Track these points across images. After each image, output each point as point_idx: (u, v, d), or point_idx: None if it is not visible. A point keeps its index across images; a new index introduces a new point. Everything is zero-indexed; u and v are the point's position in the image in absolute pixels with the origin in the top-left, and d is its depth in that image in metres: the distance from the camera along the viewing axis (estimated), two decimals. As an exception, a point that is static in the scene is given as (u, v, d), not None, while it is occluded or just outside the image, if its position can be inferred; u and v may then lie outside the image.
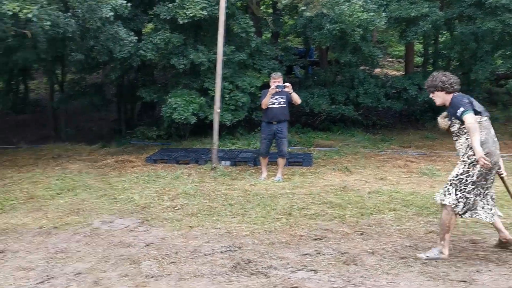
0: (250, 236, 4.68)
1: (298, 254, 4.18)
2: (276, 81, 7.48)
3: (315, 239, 4.58)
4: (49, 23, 7.11)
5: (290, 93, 7.45)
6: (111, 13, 8.31)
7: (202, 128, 12.00)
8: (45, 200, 6.23)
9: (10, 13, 6.56)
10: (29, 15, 6.70)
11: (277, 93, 7.45)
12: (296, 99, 7.53)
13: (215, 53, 9.89)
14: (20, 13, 6.62)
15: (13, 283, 3.48)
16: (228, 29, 10.12)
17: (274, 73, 7.88)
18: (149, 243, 4.47)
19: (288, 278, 3.61)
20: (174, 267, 3.85)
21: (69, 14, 8.04)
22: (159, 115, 13.53)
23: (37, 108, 16.91)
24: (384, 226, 5.01)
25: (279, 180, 7.43)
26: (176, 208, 5.77)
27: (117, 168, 8.78)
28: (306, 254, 4.15)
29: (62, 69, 13.59)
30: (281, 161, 7.69)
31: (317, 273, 3.72)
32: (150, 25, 11.90)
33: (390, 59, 20.69)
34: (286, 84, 7.49)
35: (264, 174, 7.72)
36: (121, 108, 13.76)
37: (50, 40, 8.32)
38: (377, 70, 14.98)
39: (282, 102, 7.49)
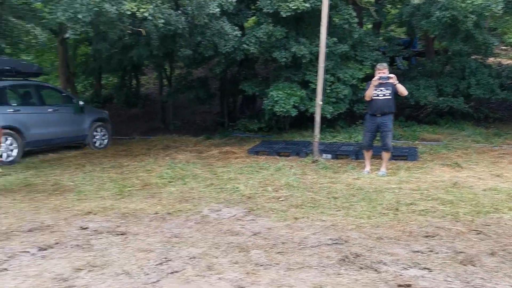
0: (356, 230, 4.61)
1: (408, 250, 4.04)
2: (381, 72, 7.26)
3: (426, 236, 4.39)
4: (162, 21, 7.55)
5: (395, 84, 7.20)
6: (218, 9, 8.61)
7: (302, 120, 12.02)
8: (158, 188, 6.64)
9: (129, 12, 7.05)
10: (145, 14, 7.16)
11: (382, 85, 7.23)
12: (402, 90, 7.25)
13: (317, 46, 9.82)
14: (137, 12, 7.10)
15: (136, 263, 3.75)
16: (330, 21, 10.01)
17: (379, 63, 7.64)
18: (256, 232, 4.58)
19: (400, 275, 3.50)
20: (282, 257, 3.91)
21: (179, 11, 8.45)
22: (260, 108, 13.78)
23: (147, 102, 18.03)
24: (504, 226, 4.67)
25: (383, 174, 7.23)
26: (280, 199, 5.85)
27: (221, 159, 9.10)
28: (417, 251, 4.00)
29: (171, 65, 14.35)
30: (385, 155, 7.47)
31: (431, 271, 3.56)
32: (253, 19, 12.12)
33: (505, 47, 19.12)
34: (390, 75, 7.24)
35: (368, 168, 7.55)
36: (224, 101, 14.20)
37: (162, 37, 8.82)
38: (490, 59, 13.92)
39: (387, 94, 7.25)
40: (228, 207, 5.55)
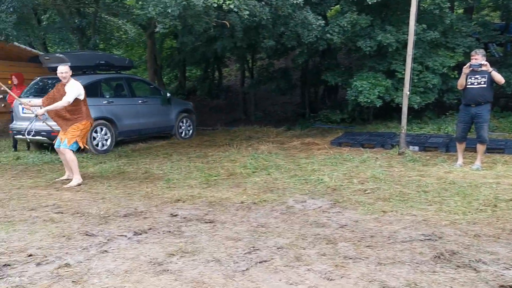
0: (450, 226, 4.38)
1: (509, 249, 3.76)
2: (473, 58, 6.83)
3: (530, 236, 4.07)
4: (247, 12, 7.61)
5: (490, 72, 6.72)
6: (301, -1, 8.52)
7: (387, 111, 11.64)
8: (243, 177, 6.73)
9: (215, 5, 7.18)
10: (231, 6, 7.25)
11: (477, 73, 6.79)
12: (499, 78, 6.75)
13: (404, 33, 9.45)
14: (223, 4, 7.21)
15: (225, 251, 3.82)
16: (418, 6, 9.54)
17: (475, 50, 7.14)
18: (343, 225, 4.49)
19: (501, 275, 3.27)
20: (371, 251, 3.80)
21: (263, 2, 8.48)
22: (342, 98, 13.54)
23: (229, 94, 18.38)
24: None
25: (477, 168, 6.80)
26: (366, 192, 5.70)
27: (303, 150, 9.05)
28: (520, 251, 3.71)
29: (253, 56, 14.48)
30: (480, 148, 7.01)
31: (537, 273, 3.29)
32: (336, 8, 11.88)
33: None
34: (483, 62, 6.76)
35: (460, 161, 7.15)
36: (305, 92, 14.11)
37: (245, 28, 8.91)
38: None
39: (483, 82, 6.79)
40: (313, 199, 5.50)
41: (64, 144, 6.74)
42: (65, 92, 6.68)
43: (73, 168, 6.72)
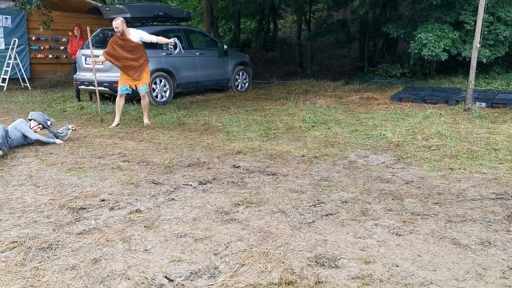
0: (524, 185, 4.18)
1: None
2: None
3: None
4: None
5: None
6: None
7: (451, 65, 11.10)
8: (302, 131, 6.68)
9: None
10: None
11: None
12: None
13: (477, -20, 8.80)
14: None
15: (289, 203, 3.84)
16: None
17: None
18: (408, 181, 4.39)
19: None
20: (440, 208, 3.70)
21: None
22: (402, 51, 13.01)
23: (284, 46, 18.07)
24: None
25: (552, 126, 6.42)
26: (432, 149, 5.52)
27: (362, 105, 8.83)
28: None
29: (310, 7, 14.04)
30: (556, 105, 6.58)
31: None
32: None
33: None
34: None
35: (532, 119, 6.76)
36: (364, 45, 13.63)
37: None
38: None
39: None
40: (375, 154, 5.39)
41: (145, 88, 7.54)
42: (134, 42, 7.27)
43: (146, 111, 7.65)
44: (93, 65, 7.61)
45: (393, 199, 3.91)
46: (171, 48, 7.84)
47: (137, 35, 7.30)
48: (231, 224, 3.42)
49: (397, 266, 2.75)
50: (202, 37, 11.64)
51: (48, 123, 6.34)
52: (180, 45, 7.63)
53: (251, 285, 2.56)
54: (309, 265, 2.77)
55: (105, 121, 7.87)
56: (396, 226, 3.34)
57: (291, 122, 7.30)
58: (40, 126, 6.26)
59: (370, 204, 3.81)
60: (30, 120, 6.27)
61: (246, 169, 4.86)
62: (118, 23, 7.15)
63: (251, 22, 20.40)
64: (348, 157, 5.29)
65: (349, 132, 6.53)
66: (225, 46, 11.18)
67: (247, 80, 11.70)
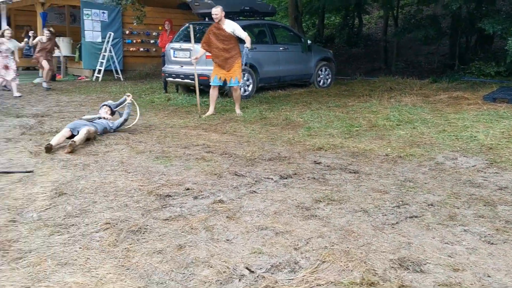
0: None
1: None
2: None
3: None
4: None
5: None
6: None
7: (554, 65, 10.23)
8: (386, 130, 6.49)
9: None
10: None
11: None
12: None
13: None
14: None
15: (372, 203, 3.75)
16: None
17: None
18: (502, 187, 4.12)
19: None
20: (538, 218, 3.43)
21: None
22: (498, 49, 12.18)
23: (368, 42, 17.64)
24: None
25: None
26: (529, 154, 5.14)
27: (451, 105, 8.40)
28: None
29: (398, 2, 13.57)
30: None
31: None
32: None
33: None
34: None
35: None
36: (456, 41, 12.92)
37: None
38: None
39: None
40: (465, 156, 5.11)
41: (236, 81, 7.77)
42: (226, 32, 7.59)
43: (238, 103, 7.97)
44: (194, 61, 7.89)
45: (484, 205, 3.69)
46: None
47: (231, 26, 7.61)
48: (312, 220, 3.40)
49: (489, 276, 2.59)
50: (286, 32, 11.66)
51: (113, 105, 6.78)
52: (247, 57, 7.79)
53: (331, 282, 2.54)
54: (392, 267, 2.69)
55: (191, 113, 8.14)
56: (488, 234, 3.15)
57: (374, 119, 7.12)
58: (109, 109, 6.64)
59: (458, 208, 3.63)
60: (100, 109, 6.70)
61: (327, 166, 4.82)
62: (217, 10, 7.56)
63: (336, 17, 20.11)
64: (435, 158, 5.06)
65: (436, 132, 6.24)
66: (309, 41, 11.12)
67: (330, 76, 11.56)
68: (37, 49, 11.71)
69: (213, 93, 7.93)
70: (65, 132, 5.70)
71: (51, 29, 12.21)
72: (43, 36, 11.60)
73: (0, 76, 10.06)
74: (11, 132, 6.46)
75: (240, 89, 8.24)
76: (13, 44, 10.26)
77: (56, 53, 12.41)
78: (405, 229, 3.24)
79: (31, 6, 14.67)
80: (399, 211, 3.57)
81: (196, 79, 8.09)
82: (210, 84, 7.96)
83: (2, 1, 15.19)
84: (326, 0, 15.02)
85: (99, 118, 6.38)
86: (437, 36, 12.48)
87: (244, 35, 7.58)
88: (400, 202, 3.75)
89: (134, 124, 6.81)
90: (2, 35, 10.13)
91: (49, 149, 5.26)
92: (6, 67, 10.06)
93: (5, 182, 4.25)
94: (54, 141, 5.46)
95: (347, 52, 17.40)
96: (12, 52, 10.22)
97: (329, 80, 11.54)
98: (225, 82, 7.88)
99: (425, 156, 5.15)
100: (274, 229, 3.23)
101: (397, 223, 3.34)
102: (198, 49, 8.00)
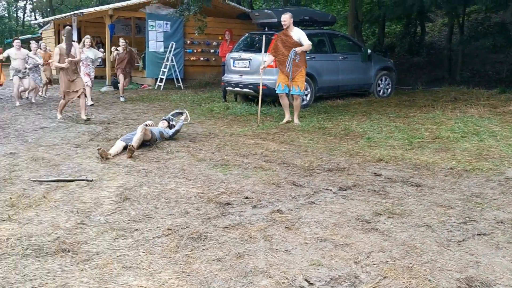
0: None
1: None
2: None
3: None
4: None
5: None
6: None
7: None
8: (450, 142, 6.25)
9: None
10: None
11: None
12: None
13: None
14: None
15: (435, 218, 3.61)
16: None
17: None
18: None
19: None
20: None
21: None
22: None
23: (431, 51, 17.12)
24: None
25: None
26: None
27: (523, 116, 7.98)
28: None
29: (464, 9, 13.10)
30: None
31: None
32: None
33: None
34: None
35: None
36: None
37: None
38: None
39: None
40: (538, 172, 4.83)
41: (298, 90, 7.87)
42: (293, 39, 7.69)
43: (297, 112, 7.96)
44: (262, 70, 8.00)
45: (561, 225, 3.46)
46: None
47: (297, 33, 7.72)
48: (372, 233, 3.33)
49: None
50: (345, 41, 11.55)
51: (170, 118, 7.04)
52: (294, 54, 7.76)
53: (394, 299, 2.47)
54: (459, 287, 2.57)
55: (249, 122, 8.22)
56: None
57: (437, 131, 6.88)
58: (166, 122, 6.83)
59: (531, 227, 3.42)
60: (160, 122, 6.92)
61: (388, 178, 4.70)
62: (286, 17, 7.70)
63: (396, 26, 19.69)
64: (504, 173, 4.81)
65: (505, 145, 5.94)
66: (369, 51, 10.95)
67: (390, 85, 11.31)
68: (116, 62, 11.71)
69: (284, 101, 8.07)
70: (120, 144, 5.86)
71: (126, 40, 12.50)
72: (119, 48, 11.72)
73: (85, 85, 10.28)
74: (80, 138, 6.79)
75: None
76: (92, 53, 10.67)
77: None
78: (473, 247, 3.10)
79: (100, 18, 15.40)
80: (466, 227, 3.42)
81: (261, 88, 8.17)
82: (277, 92, 8.04)
83: (73, 14, 16.06)
84: (387, 8, 14.75)
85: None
86: (506, 44, 11.92)
87: (307, 45, 7.63)
88: (467, 218, 3.59)
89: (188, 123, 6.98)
90: (83, 44, 10.52)
91: (103, 154, 5.42)
92: (87, 75, 10.45)
93: (74, 186, 4.46)
94: (112, 150, 5.67)
95: (408, 61, 16.98)
96: (92, 61, 10.63)
97: (389, 89, 11.30)
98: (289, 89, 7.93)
99: (493, 170, 4.92)
100: (333, 241, 3.19)
101: (463, 240, 3.20)
102: (265, 58, 8.16)
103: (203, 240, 3.23)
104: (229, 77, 10.27)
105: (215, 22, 15.08)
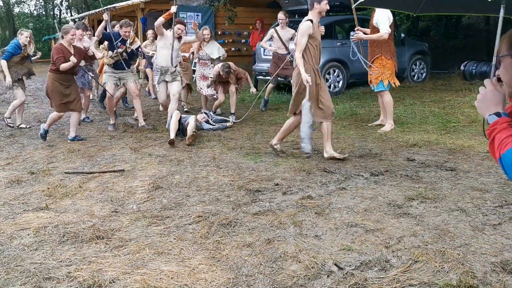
0: None
1: None
2: None
3: None
4: None
5: None
6: None
7: None
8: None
9: None
10: None
11: None
12: None
13: None
14: None
15: (471, 202, 3.53)
16: None
17: None
18: None
19: None
20: None
21: None
22: None
23: (469, 33, 16.57)
24: None
25: None
26: None
27: None
28: None
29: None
30: None
31: None
32: None
33: None
34: None
35: None
36: None
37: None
38: None
39: None
40: None
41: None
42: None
43: (388, 111, 6.20)
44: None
45: None
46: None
47: None
48: (404, 218, 3.28)
49: None
50: (377, 26, 11.30)
51: (212, 117, 7.13)
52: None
53: (425, 283, 2.43)
54: (494, 270, 2.51)
55: (280, 111, 8.20)
56: None
57: (474, 115, 6.67)
58: (206, 117, 6.89)
59: None
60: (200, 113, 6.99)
61: (422, 163, 4.61)
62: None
63: (432, 8, 19.11)
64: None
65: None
66: (402, 35, 10.69)
67: (425, 70, 11.02)
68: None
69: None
70: (176, 115, 6.12)
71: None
72: (147, 41, 11.32)
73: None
74: (114, 130, 6.93)
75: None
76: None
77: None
78: (509, 230, 3.01)
79: (132, 12, 15.62)
80: (502, 211, 3.32)
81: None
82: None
83: (106, 8, 16.36)
84: (421, -10, 14.32)
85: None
86: (548, 23, 11.40)
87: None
88: (503, 202, 3.49)
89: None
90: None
91: (172, 143, 5.72)
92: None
93: (109, 176, 4.58)
94: (172, 134, 5.90)
95: (444, 44, 16.48)
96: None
97: (424, 74, 11.01)
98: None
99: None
100: (364, 227, 3.16)
101: (499, 224, 3.11)
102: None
103: (233, 227, 3.26)
104: (259, 66, 10.25)
105: (245, 11, 15.01)
